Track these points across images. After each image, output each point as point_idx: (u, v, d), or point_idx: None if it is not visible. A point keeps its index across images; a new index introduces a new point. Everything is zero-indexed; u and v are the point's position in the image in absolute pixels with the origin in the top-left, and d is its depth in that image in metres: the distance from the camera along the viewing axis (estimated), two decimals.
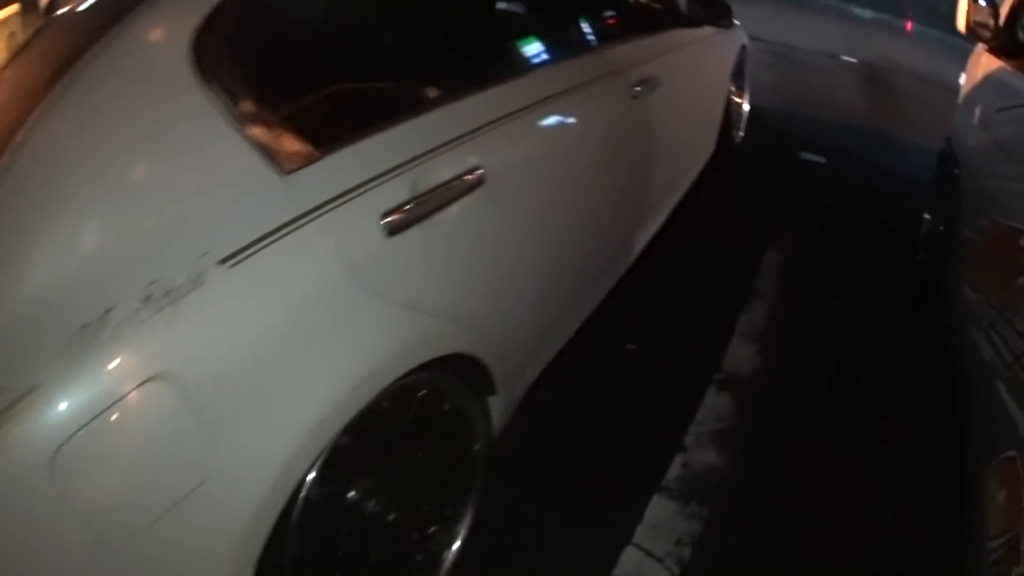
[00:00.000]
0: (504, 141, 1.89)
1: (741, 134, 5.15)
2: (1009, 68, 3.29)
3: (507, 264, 1.97)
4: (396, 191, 1.49)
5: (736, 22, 4.79)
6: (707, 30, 3.62)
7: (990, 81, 3.50)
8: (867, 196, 4.90)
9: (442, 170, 1.62)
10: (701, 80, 3.91)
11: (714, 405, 2.76)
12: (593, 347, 2.80)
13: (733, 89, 4.69)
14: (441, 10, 2.10)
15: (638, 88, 2.69)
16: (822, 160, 5.41)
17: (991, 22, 3.35)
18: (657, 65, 2.95)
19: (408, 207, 1.50)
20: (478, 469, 1.93)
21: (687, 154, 3.77)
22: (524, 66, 2.18)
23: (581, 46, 2.56)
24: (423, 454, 1.71)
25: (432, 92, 1.81)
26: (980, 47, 3.74)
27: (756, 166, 5.05)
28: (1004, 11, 3.36)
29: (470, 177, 1.68)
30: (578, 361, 2.66)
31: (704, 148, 4.18)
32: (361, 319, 1.39)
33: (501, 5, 2.33)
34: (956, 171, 3.59)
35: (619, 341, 3.02)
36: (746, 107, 5.20)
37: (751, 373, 2.96)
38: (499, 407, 1.97)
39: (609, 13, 3.02)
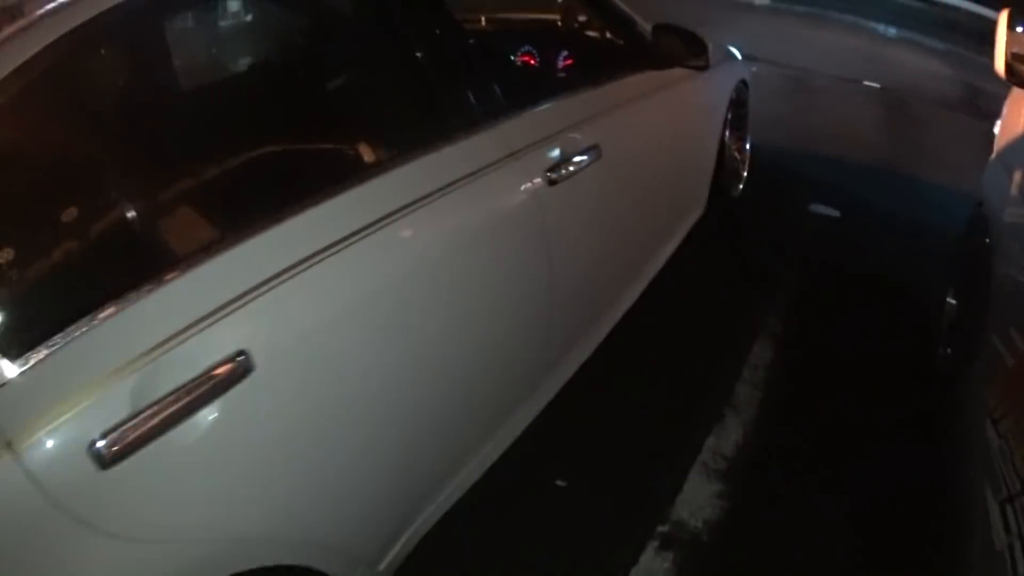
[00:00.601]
0: (295, 301, 1.38)
1: (740, 186, 4.46)
2: None
3: (317, 454, 1.48)
4: (110, 407, 1.12)
5: (735, 53, 4.13)
6: (683, 71, 2.94)
7: None
8: (888, 263, 4.14)
9: (182, 366, 1.20)
10: (675, 135, 3.20)
11: (649, 570, 2.16)
12: (512, 481, 2.20)
13: (728, 135, 4.00)
14: (191, 108, 1.54)
15: (566, 168, 2.07)
16: (836, 214, 4.69)
17: None
18: (598, 128, 2.32)
19: (127, 428, 1.13)
20: None
21: (653, 231, 3.10)
22: (345, 173, 1.59)
23: (464, 125, 1.88)
24: None
25: (173, 248, 1.35)
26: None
27: (755, 226, 4.35)
28: None
29: (229, 366, 1.25)
30: (488, 499, 2.08)
31: (684, 214, 3.49)
32: (84, 564, 1.11)
33: (316, 84, 1.73)
34: (987, 240, 2.90)
35: (546, 475, 2.42)
36: (747, 155, 4.51)
37: (705, 525, 2.31)
38: None
39: (523, 66, 2.38)
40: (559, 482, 2.40)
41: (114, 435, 1.11)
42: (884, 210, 4.86)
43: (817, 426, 2.78)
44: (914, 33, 11.89)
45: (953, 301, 3.28)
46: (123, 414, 1.13)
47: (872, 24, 12.19)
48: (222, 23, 1.88)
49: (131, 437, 1.13)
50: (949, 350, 3.14)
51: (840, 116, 6.81)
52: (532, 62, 2.69)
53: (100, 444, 1.10)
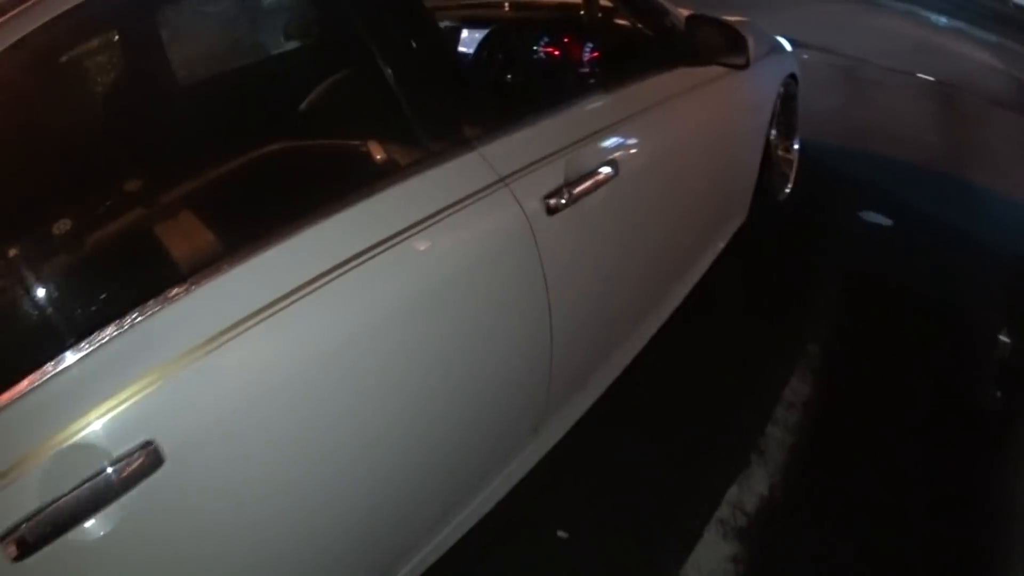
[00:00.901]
0: (219, 374, 1.21)
1: (788, 190, 4.17)
2: None
3: (261, 539, 1.33)
4: (19, 499, 1.04)
5: (785, 44, 3.82)
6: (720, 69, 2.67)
7: None
8: (941, 284, 3.78)
9: (85, 457, 1.08)
10: (713, 141, 2.89)
11: None
12: (508, 530, 2.07)
13: (775, 135, 3.70)
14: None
15: (569, 192, 1.83)
16: (888, 222, 4.37)
17: None
18: (615, 140, 2.10)
19: (35, 521, 1.04)
20: None
21: (682, 252, 2.82)
22: (288, 214, 1.39)
23: (443, 147, 1.66)
24: None
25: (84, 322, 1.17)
26: None
27: (800, 234, 4.05)
28: None
29: (138, 458, 1.11)
30: (481, 549, 1.93)
31: (722, 225, 3.23)
32: None
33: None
34: None
35: (547, 524, 2.23)
36: (795, 155, 4.21)
37: None
38: None
39: (526, 70, 2.12)
40: (560, 533, 2.22)
41: (25, 527, 1.03)
42: (939, 220, 4.52)
43: (853, 481, 2.51)
44: (963, 23, 11.41)
45: (1007, 339, 3.00)
46: (31, 507, 1.04)
47: (924, 12, 11.72)
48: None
49: (39, 531, 1.05)
50: (999, 394, 2.87)
51: (893, 111, 6.46)
52: (540, 63, 2.43)
53: (11, 536, 1.02)
